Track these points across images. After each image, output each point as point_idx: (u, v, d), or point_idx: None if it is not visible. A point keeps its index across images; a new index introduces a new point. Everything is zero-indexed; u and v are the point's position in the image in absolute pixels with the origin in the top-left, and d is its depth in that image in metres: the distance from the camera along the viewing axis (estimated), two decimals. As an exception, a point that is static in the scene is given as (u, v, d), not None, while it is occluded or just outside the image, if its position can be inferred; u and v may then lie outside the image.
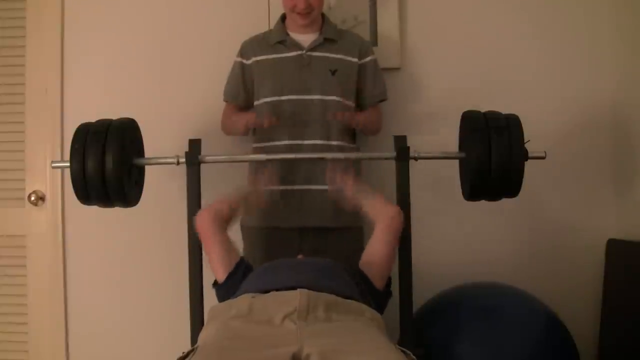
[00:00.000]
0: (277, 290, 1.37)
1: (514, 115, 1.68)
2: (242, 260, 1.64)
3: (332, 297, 1.35)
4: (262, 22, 2.19)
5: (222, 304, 1.46)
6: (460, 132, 1.80)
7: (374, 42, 2.23)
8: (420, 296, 1.82)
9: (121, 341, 2.29)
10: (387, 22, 2.25)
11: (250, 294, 1.38)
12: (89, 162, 1.59)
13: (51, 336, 2.29)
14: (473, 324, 1.73)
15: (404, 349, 1.24)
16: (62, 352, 2.29)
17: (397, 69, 2.26)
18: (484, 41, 2.29)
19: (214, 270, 1.63)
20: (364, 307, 1.39)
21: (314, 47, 1.97)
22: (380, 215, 1.69)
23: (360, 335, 1.26)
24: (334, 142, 1.95)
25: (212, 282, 1.64)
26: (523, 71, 2.29)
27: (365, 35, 2.21)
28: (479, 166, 1.62)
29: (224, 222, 1.67)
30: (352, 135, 2.04)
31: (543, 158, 1.69)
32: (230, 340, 1.22)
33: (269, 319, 1.28)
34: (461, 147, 1.79)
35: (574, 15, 2.30)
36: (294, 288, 1.34)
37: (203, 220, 1.66)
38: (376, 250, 1.65)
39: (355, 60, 2.00)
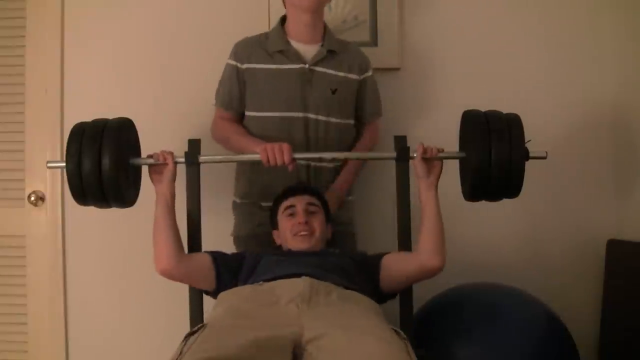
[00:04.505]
0: (282, 277, 1.47)
1: (514, 114, 1.67)
2: (213, 258, 1.64)
3: (333, 286, 1.45)
4: (262, 22, 2.19)
5: (230, 290, 1.53)
6: (460, 131, 1.79)
7: (374, 42, 2.23)
8: (420, 296, 1.82)
9: (121, 341, 2.29)
10: (387, 22, 2.25)
11: (257, 283, 1.49)
12: (84, 162, 1.58)
13: (51, 336, 2.29)
14: (473, 324, 1.73)
15: (397, 330, 1.33)
16: (62, 352, 2.29)
17: (397, 69, 2.26)
18: (485, 41, 2.29)
19: (206, 285, 1.65)
20: (362, 296, 1.48)
21: (316, 62, 1.88)
22: (421, 252, 1.64)
23: (357, 316, 1.36)
24: (333, 165, 1.94)
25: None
26: (524, 71, 2.29)
27: (365, 35, 2.21)
28: (479, 166, 1.62)
29: (180, 249, 1.66)
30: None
31: (544, 158, 1.67)
32: (237, 319, 1.32)
33: (274, 301, 1.38)
34: (461, 147, 1.79)
35: (576, 15, 2.30)
36: (299, 275, 1.45)
37: (164, 265, 1.63)
38: (403, 269, 1.66)
39: (355, 77, 1.95)
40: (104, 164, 1.58)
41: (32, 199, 2.29)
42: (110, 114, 1.73)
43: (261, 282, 1.48)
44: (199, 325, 1.32)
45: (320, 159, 1.90)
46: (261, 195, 1.91)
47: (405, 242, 1.73)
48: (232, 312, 1.37)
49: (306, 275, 1.46)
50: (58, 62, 2.30)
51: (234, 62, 1.92)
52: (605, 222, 2.26)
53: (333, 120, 1.91)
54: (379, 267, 1.64)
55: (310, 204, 1.73)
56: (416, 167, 1.70)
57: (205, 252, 1.68)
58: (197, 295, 1.71)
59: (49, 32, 2.30)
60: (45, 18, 2.30)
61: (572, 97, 2.29)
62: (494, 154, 1.60)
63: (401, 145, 1.75)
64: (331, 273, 1.52)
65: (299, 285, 1.40)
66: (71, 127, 1.65)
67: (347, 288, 1.48)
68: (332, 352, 1.21)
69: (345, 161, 1.97)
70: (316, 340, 1.25)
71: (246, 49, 1.91)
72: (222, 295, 1.54)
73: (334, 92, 1.89)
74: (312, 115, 1.87)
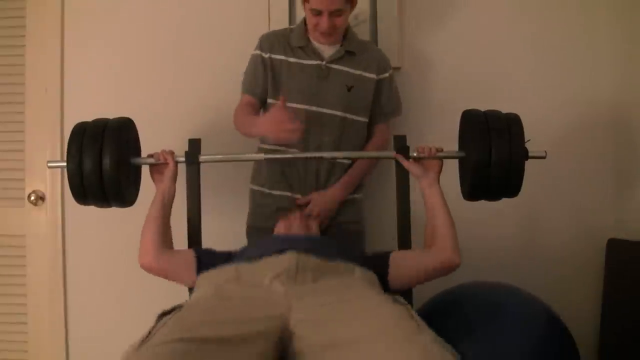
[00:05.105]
0: (268, 255, 1.40)
1: (514, 114, 1.67)
2: (197, 258, 1.60)
3: (320, 260, 1.38)
4: (262, 23, 2.19)
5: (213, 270, 1.47)
6: (460, 131, 1.80)
7: (374, 42, 2.23)
8: (421, 296, 1.82)
9: (121, 341, 2.26)
10: (387, 22, 2.25)
11: (241, 263, 1.42)
12: (85, 161, 1.58)
13: (51, 336, 2.30)
14: (473, 323, 1.72)
15: (395, 297, 1.29)
16: (62, 352, 2.29)
17: (397, 68, 2.26)
18: (484, 41, 2.29)
19: (185, 277, 1.61)
20: (352, 266, 1.42)
21: (333, 60, 1.92)
22: (441, 250, 1.62)
23: (350, 286, 1.30)
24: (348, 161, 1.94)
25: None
26: (523, 71, 2.29)
27: (366, 35, 2.21)
28: (479, 166, 1.62)
29: (164, 244, 1.65)
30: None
31: (544, 158, 1.68)
32: (220, 301, 1.26)
33: (258, 281, 1.31)
34: (461, 146, 1.79)
35: (574, 15, 2.30)
36: (284, 251, 1.38)
37: (144, 260, 1.63)
38: (417, 265, 1.61)
39: (373, 76, 1.96)
40: (104, 163, 1.59)
41: (32, 198, 2.29)
42: (110, 114, 1.73)
43: (245, 260, 1.42)
44: (174, 306, 1.28)
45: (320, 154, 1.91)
46: (278, 183, 1.92)
47: (405, 242, 1.73)
48: (217, 293, 1.31)
49: (293, 248, 1.40)
50: (58, 62, 2.30)
51: (258, 52, 1.96)
52: (605, 221, 2.26)
53: (349, 116, 1.92)
54: (388, 264, 1.58)
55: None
56: (410, 168, 1.71)
57: (193, 249, 1.65)
58: (197, 295, 1.71)
59: (49, 32, 2.31)
60: (45, 18, 2.31)
61: (571, 97, 2.29)
62: (493, 154, 1.60)
63: (400, 145, 1.75)
64: (325, 247, 1.48)
65: (284, 261, 1.34)
66: (71, 126, 1.66)
67: (342, 259, 1.43)
68: (322, 324, 1.18)
69: (353, 161, 1.97)
70: (304, 322, 1.21)
71: (269, 40, 1.96)
72: (204, 275, 1.48)
73: (349, 89, 1.92)
74: (327, 111, 1.90)
